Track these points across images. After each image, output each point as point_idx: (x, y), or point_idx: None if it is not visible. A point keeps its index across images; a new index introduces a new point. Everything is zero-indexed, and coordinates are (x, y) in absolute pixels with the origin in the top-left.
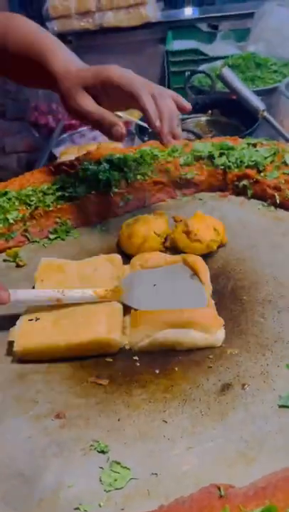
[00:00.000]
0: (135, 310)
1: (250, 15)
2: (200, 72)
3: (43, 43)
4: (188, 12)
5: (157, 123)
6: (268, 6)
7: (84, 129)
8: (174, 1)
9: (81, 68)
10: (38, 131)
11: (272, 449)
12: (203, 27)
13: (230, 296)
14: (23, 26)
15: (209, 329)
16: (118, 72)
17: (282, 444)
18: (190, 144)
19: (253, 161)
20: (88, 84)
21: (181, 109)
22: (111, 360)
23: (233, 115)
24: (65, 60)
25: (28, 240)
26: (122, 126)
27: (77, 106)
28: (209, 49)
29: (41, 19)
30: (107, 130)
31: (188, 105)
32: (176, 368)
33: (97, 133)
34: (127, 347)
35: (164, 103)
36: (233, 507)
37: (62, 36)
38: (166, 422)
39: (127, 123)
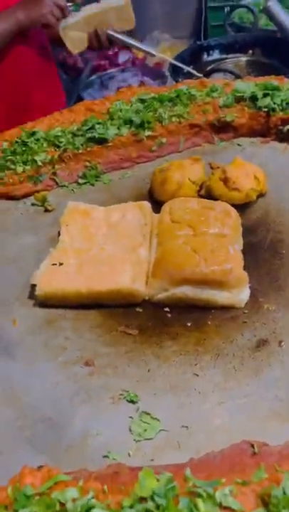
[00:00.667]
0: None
1: None
2: (242, 6)
3: None
4: None
5: None
6: None
7: (113, 70)
8: None
9: None
10: (66, 73)
11: None
12: None
13: (268, 250)
14: None
15: (231, 288)
16: None
17: None
18: (231, 84)
19: None
20: None
21: None
22: (141, 310)
23: (275, 56)
24: None
25: (57, 183)
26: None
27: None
28: None
29: None
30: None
31: None
32: (209, 322)
33: (126, 75)
34: (146, 298)
35: None
36: (267, 466)
37: None
38: (197, 375)
39: (159, 64)
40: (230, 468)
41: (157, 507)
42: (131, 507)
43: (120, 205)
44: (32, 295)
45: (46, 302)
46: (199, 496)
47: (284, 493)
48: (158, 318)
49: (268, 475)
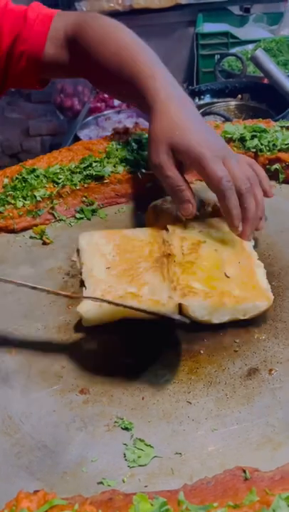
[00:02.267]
0: None
1: None
2: (231, 54)
3: (141, 63)
4: None
5: (240, 227)
6: None
7: (110, 112)
8: None
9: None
10: (63, 114)
11: None
12: (235, 10)
13: None
14: (112, 33)
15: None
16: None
17: None
18: (221, 126)
19: (286, 145)
20: (176, 150)
21: (264, 193)
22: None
23: (263, 100)
24: (166, 95)
25: (55, 217)
26: (194, 204)
27: (158, 162)
28: (240, 32)
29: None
30: (178, 201)
31: (270, 192)
32: (202, 351)
33: (122, 116)
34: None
35: (250, 200)
36: (259, 490)
37: None
38: (190, 403)
39: None
40: (223, 493)
41: None
42: None
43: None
44: (29, 323)
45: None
46: None
47: None
48: (152, 348)
49: (259, 498)
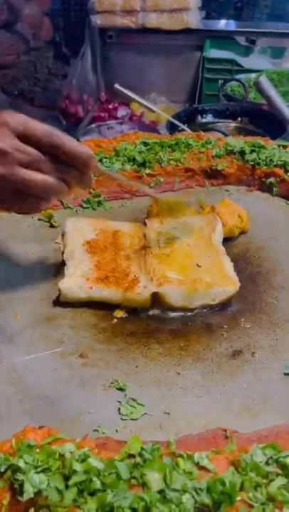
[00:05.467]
0: None
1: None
2: (235, 80)
3: None
4: (228, 24)
5: None
6: None
7: (113, 122)
8: (216, 11)
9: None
10: (66, 120)
11: (275, 407)
12: (241, 40)
13: (247, 279)
14: None
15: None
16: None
17: (284, 405)
18: (223, 139)
19: (281, 161)
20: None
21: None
22: (126, 315)
23: (261, 125)
24: None
25: (63, 205)
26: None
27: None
28: (245, 61)
29: (85, 12)
30: None
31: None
32: (192, 332)
33: (124, 127)
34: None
35: None
36: (237, 445)
37: (104, 31)
38: (179, 373)
39: (154, 122)
40: (205, 446)
41: (144, 461)
42: (121, 461)
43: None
44: (34, 294)
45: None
46: (180, 456)
47: (251, 458)
48: (146, 325)
49: (237, 447)
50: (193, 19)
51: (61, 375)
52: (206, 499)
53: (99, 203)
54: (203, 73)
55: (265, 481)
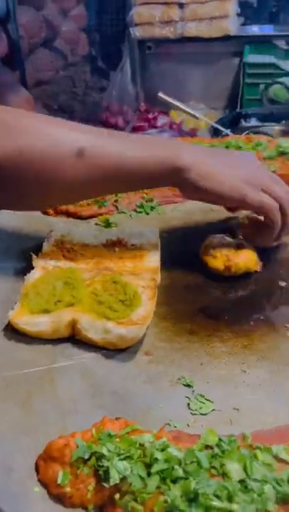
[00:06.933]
0: None
1: None
2: (277, 83)
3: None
4: (265, 29)
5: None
6: None
7: (153, 130)
8: (252, 17)
9: None
10: None
11: None
12: (281, 44)
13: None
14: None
15: None
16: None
17: None
18: (274, 141)
19: None
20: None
21: None
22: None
23: None
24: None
25: (117, 209)
26: None
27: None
28: (286, 65)
29: (123, 25)
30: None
31: None
32: (254, 331)
33: (165, 135)
34: None
35: None
36: None
37: (143, 42)
38: (245, 371)
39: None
40: (280, 440)
41: (222, 452)
42: (200, 451)
43: None
44: None
45: None
46: (257, 448)
47: None
48: (208, 324)
49: None
50: (232, 26)
51: (128, 372)
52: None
53: (152, 207)
54: (245, 78)
55: None
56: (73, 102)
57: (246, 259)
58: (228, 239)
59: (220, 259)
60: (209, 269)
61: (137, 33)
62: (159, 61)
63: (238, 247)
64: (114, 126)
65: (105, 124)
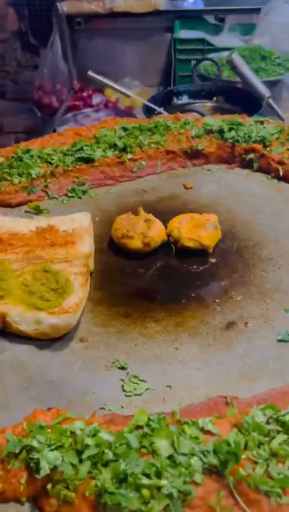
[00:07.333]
0: None
1: (257, 10)
2: (208, 59)
3: None
4: (196, 3)
5: None
6: (274, 2)
7: (88, 110)
8: None
9: None
10: (41, 111)
11: (271, 372)
12: (210, 19)
13: (235, 254)
14: None
15: None
16: None
17: (279, 369)
18: (201, 119)
19: (260, 137)
20: None
21: None
22: (127, 298)
23: (236, 103)
24: None
25: (48, 195)
26: None
27: None
28: (215, 40)
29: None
30: None
31: None
32: (186, 309)
33: (101, 114)
34: None
35: None
36: (238, 410)
37: (71, 18)
38: (177, 348)
39: (130, 107)
40: (208, 413)
41: (152, 430)
42: (130, 432)
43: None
44: None
45: None
46: (185, 423)
47: (253, 419)
48: (141, 306)
49: (238, 411)
50: (160, 0)
51: (64, 360)
52: (214, 460)
53: (83, 191)
54: (176, 55)
55: (266, 438)
56: (5, 82)
57: (159, 231)
58: (134, 216)
59: (137, 238)
60: (130, 250)
61: (64, 7)
62: (90, 37)
63: (146, 221)
64: (48, 106)
65: (39, 104)
